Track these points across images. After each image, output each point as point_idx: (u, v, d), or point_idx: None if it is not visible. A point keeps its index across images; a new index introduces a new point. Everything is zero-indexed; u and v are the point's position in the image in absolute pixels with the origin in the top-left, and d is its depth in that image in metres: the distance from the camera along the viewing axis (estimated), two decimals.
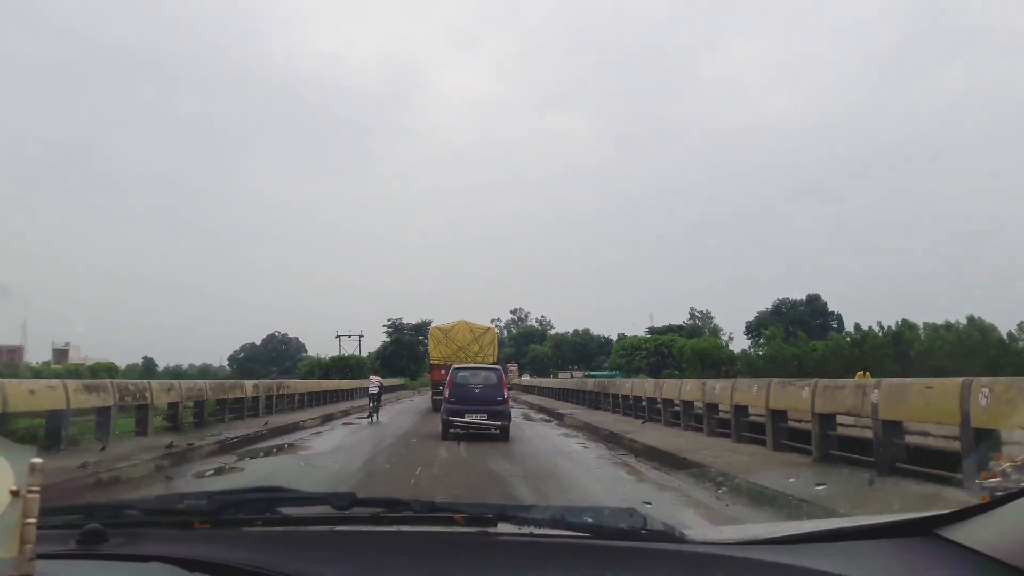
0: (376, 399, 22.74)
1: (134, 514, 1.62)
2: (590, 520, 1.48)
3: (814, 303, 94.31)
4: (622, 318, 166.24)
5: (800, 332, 71.77)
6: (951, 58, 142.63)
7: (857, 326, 67.83)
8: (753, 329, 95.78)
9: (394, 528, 1.55)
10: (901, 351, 59.54)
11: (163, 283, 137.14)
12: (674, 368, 70.23)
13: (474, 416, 15.20)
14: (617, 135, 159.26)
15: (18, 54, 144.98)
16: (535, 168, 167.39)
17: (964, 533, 1.25)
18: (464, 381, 16.27)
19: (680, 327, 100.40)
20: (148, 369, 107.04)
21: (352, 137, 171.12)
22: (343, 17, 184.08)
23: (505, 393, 16.19)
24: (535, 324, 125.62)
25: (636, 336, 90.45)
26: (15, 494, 0.99)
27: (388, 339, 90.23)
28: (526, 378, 66.85)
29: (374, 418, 21.87)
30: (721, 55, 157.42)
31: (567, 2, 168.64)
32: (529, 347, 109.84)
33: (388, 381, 56.62)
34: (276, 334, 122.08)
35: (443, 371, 23.08)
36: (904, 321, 66.58)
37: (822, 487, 7.86)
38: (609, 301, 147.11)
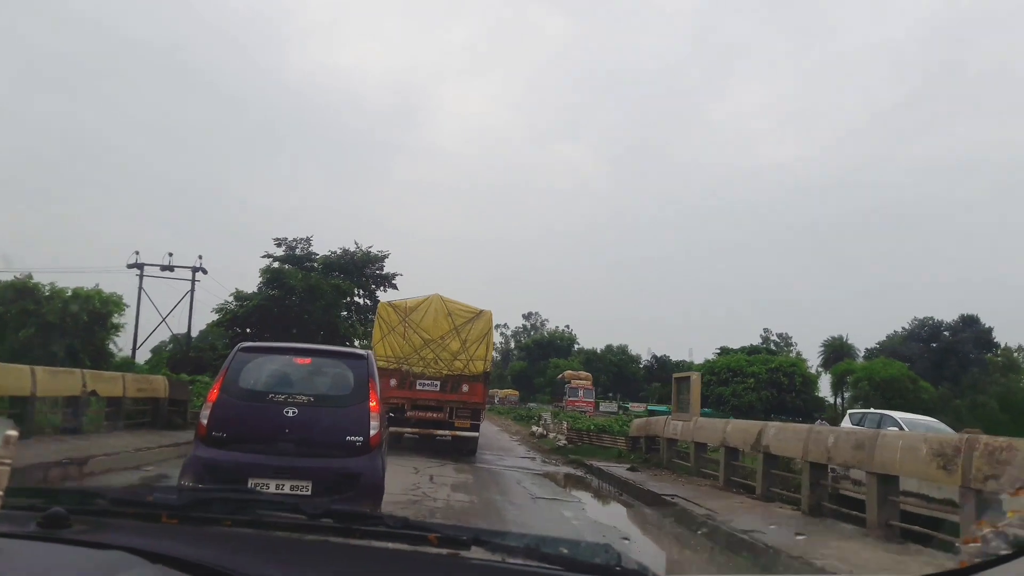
0: None
1: (101, 502, 1.56)
2: (565, 552, 1.37)
3: (973, 326, 65.23)
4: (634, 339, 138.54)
5: None
6: None
7: None
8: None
9: (365, 542, 1.46)
10: None
11: None
12: (813, 408, 41.70)
13: (278, 483, 5.60)
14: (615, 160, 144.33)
15: (34, 45, 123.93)
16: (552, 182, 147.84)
17: None
18: (260, 386, 6.19)
19: (760, 349, 71.47)
20: None
21: (359, 146, 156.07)
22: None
23: (373, 424, 6.02)
24: (556, 332, 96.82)
25: (726, 355, 60.79)
26: None
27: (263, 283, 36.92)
28: (702, 423, 13.16)
29: None
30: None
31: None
32: (550, 362, 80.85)
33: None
34: None
35: (394, 380, 14.56)
36: None
37: None
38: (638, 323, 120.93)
